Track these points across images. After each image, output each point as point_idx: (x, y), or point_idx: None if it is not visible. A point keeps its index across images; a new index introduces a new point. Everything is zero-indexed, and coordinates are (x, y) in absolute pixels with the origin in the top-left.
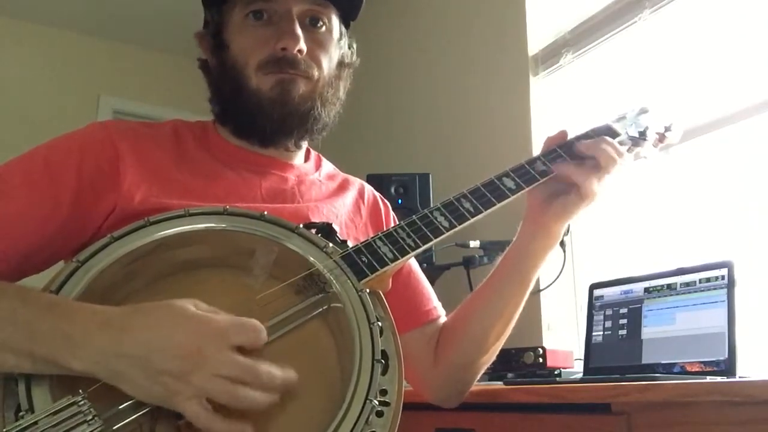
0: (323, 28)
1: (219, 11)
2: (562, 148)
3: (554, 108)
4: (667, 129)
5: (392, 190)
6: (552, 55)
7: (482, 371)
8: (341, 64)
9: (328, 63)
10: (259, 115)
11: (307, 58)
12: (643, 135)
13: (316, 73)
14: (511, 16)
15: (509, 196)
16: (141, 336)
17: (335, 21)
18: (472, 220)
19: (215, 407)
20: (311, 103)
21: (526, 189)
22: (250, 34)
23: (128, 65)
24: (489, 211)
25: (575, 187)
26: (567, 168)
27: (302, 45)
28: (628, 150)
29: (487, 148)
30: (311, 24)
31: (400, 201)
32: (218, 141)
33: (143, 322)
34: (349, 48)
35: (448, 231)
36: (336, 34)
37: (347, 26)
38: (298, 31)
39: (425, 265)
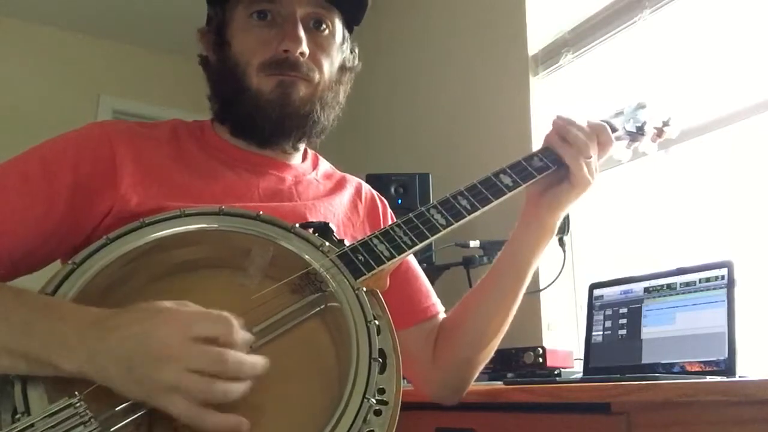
0: (326, 32)
1: (222, 9)
2: None
3: (554, 108)
4: (665, 123)
5: (392, 189)
6: (552, 55)
7: (480, 368)
8: (342, 68)
9: (329, 67)
10: (258, 116)
11: (309, 61)
12: (641, 130)
13: (317, 77)
14: (511, 16)
15: (506, 193)
16: (124, 334)
17: (339, 25)
18: (469, 217)
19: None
20: (311, 106)
21: (523, 186)
22: (253, 34)
23: (128, 65)
24: (486, 208)
25: (566, 176)
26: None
27: (305, 48)
28: (627, 146)
29: (487, 148)
30: (315, 27)
31: (399, 201)
32: (216, 141)
33: (127, 320)
34: (351, 52)
35: (444, 228)
36: (339, 38)
37: (350, 30)
38: (302, 33)
39: (425, 265)
